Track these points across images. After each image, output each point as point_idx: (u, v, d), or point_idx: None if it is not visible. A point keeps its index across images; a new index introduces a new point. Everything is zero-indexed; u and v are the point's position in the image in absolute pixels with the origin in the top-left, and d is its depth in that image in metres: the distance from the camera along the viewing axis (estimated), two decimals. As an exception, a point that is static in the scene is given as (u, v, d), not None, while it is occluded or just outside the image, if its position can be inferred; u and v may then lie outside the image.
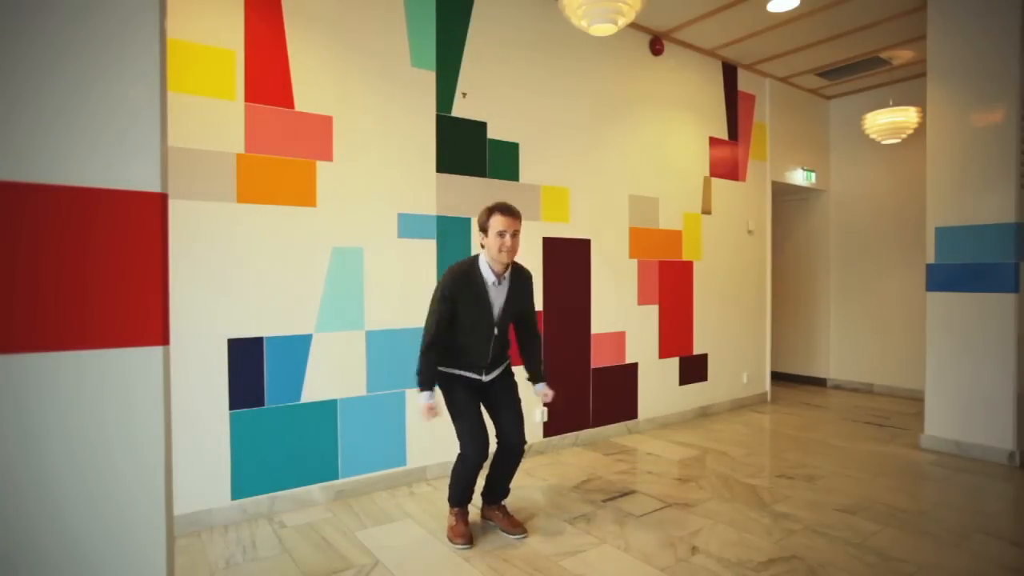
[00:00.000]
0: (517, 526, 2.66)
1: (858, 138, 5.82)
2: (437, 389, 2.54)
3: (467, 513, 2.64)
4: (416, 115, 3.39)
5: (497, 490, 2.73)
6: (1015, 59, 3.60)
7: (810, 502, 3.02)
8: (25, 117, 1.16)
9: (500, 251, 2.45)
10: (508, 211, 2.46)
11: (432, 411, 2.47)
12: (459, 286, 2.49)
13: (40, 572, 1.18)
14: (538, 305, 3.88)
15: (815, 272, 6.37)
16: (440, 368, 2.59)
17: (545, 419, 3.95)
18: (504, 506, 2.74)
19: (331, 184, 3.09)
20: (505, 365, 2.72)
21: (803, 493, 3.15)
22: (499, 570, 2.33)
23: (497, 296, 2.55)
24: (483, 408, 2.67)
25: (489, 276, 2.51)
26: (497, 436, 2.65)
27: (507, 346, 2.69)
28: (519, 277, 2.63)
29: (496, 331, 2.56)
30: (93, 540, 1.23)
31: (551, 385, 2.77)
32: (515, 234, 2.47)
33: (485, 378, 2.63)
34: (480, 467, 2.56)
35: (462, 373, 2.60)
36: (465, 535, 2.54)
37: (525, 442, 2.66)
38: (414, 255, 3.37)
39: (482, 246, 2.53)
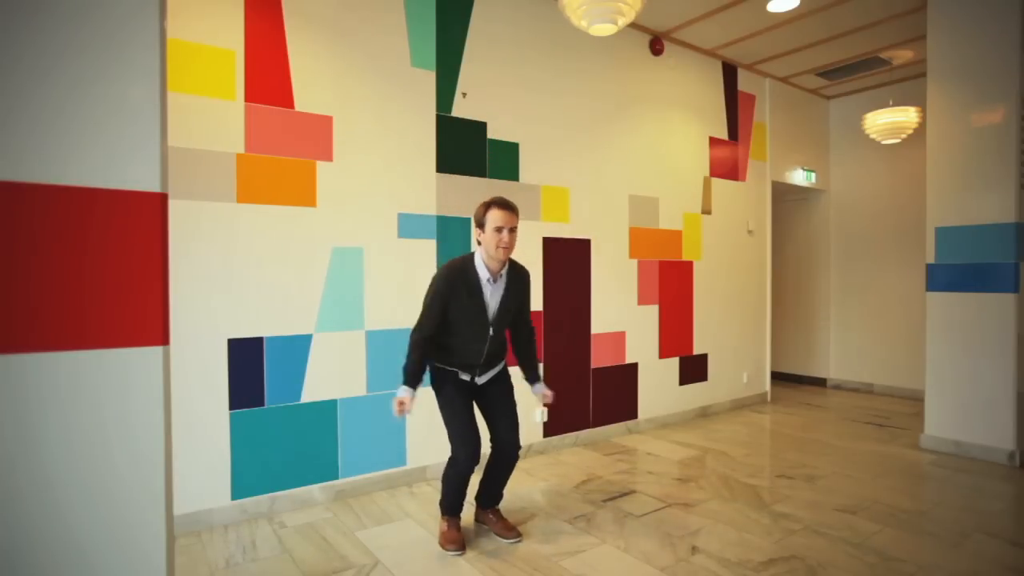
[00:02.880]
0: (511, 530, 2.62)
1: (858, 138, 5.82)
2: (419, 391, 2.48)
3: (459, 520, 2.61)
4: (416, 115, 3.39)
5: (491, 494, 2.70)
6: (1015, 59, 3.60)
7: (810, 502, 3.02)
8: (25, 117, 1.16)
9: (497, 248, 2.37)
10: (506, 206, 2.39)
11: (403, 406, 2.39)
12: (453, 283, 2.42)
13: (40, 572, 1.18)
14: (538, 305, 3.89)
15: (815, 272, 6.37)
16: (436, 364, 2.57)
17: (545, 419, 3.95)
18: (498, 510, 2.72)
19: (331, 184, 3.09)
20: (501, 367, 2.66)
21: (803, 493, 3.15)
22: (499, 570, 2.33)
23: (493, 295, 2.48)
24: (478, 410, 2.63)
25: (484, 274, 2.44)
26: (492, 440, 2.61)
27: (504, 347, 2.63)
28: (517, 276, 2.55)
29: (492, 331, 2.49)
30: (93, 540, 1.23)
31: (550, 385, 2.75)
32: (512, 230, 2.39)
33: (479, 380, 2.58)
34: (470, 472, 2.50)
35: (455, 371, 2.55)
36: (457, 541, 2.49)
37: (520, 447, 2.63)
38: (414, 255, 3.37)
39: (478, 243, 2.46)
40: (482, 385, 2.61)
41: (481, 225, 2.41)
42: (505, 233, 2.37)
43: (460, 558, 2.44)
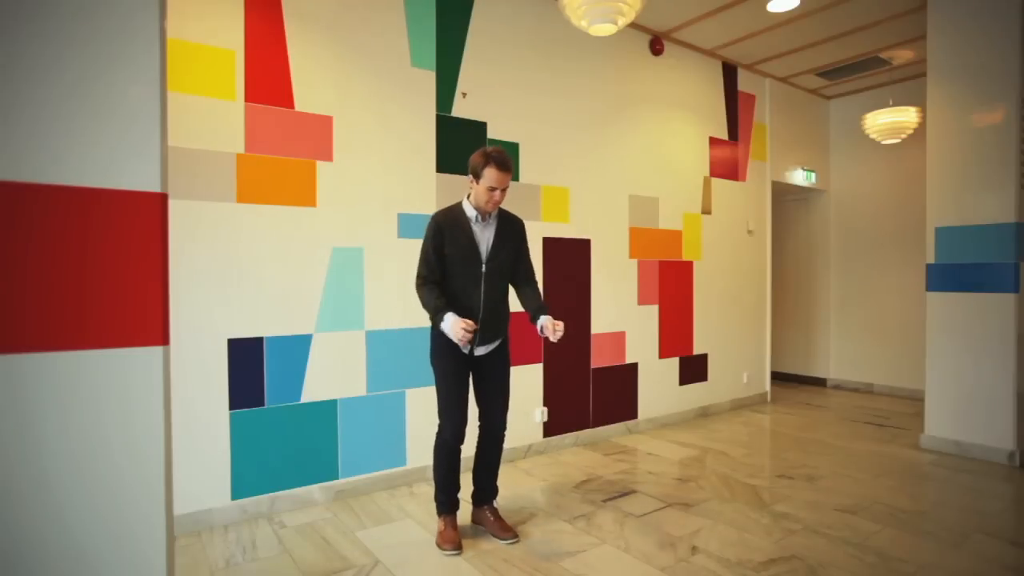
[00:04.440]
0: (508, 530, 2.61)
1: (858, 138, 5.82)
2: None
3: (456, 519, 2.60)
4: (416, 115, 3.39)
5: (484, 488, 2.69)
6: (1015, 59, 3.60)
7: (810, 502, 3.02)
8: (25, 117, 1.16)
9: (487, 204, 2.44)
10: (504, 166, 2.41)
11: (467, 330, 2.29)
12: (441, 221, 2.47)
13: (40, 572, 1.18)
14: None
15: (815, 272, 6.37)
16: (436, 330, 2.51)
17: (545, 419, 3.95)
18: (495, 508, 2.70)
19: (331, 184, 3.09)
20: (500, 342, 2.62)
21: (803, 493, 3.15)
22: (499, 570, 2.33)
23: (483, 234, 2.52)
24: (473, 387, 2.63)
25: (471, 212, 2.49)
26: (479, 417, 2.62)
27: (504, 317, 2.61)
28: (507, 219, 2.59)
29: (485, 269, 2.49)
30: (93, 540, 1.23)
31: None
32: (505, 190, 2.44)
33: (477, 351, 2.55)
34: (456, 449, 2.52)
35: (455, 344, 2.49)
36: (454, 541, 2.49)
37: (505, 427, 2.63)
38: (414, 255, 3.35)
39: (471, 188, 2.49)
40: (479, 358, 2.58)
41: (476, 176, 2.44)
42: (497, 193, 2.43)
43: (460, 558, 2.44)
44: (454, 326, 2.33)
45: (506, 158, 2.43)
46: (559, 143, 4.01)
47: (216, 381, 2.78)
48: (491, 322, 2.54)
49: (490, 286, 2.52)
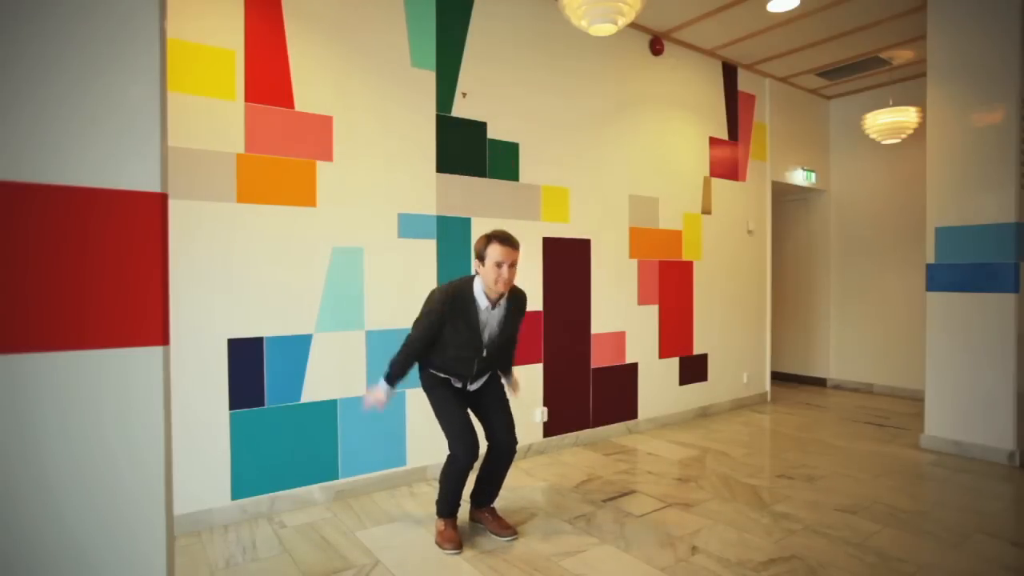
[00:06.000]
0: (507, 528, 2.63)
1: (858, 138, 5.82)
2: (393, 389, 2.54)
3: (456, 520, 2.62)
4: (416, 115, 3.39)
5: (486, 492, 2.71)
6: (1015, 59, 3.60)
7: (810, 502, 3.02)
8: (24, 117, 1.16)
9: (496, 282, 2.38)
10: (507, 241, 2.38)
11: (377, 399, 2.47)
12: (451, 308, 2.43)
13: (40, 572, 1.18)
14: (538, 305, 3.89)
15: (815, 272, 6.37)
16: (428, 370, 2.61)
17: (545, 419, 3.95)
18: (494, 508, 2.72)
19: (331, 184, 3.09)
20: (491, 373, 2.71)
21: (803, 493, 3.15)
22: (499, 570, 2.33)
23: (489, 320, 2.50)
24: (472, 412, 2.67)
25: (483, 301, 2.46)
26: (488, 439, 2.64)
27: (494, 361, 2.67)
28: (516, 301, 2.57)
29: (484, 352, 2.53)
30: (93, 540, 1.22)
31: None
32: (512, 265, 2.39)
33: (471, 387, 2.64)
34: (470, 468, 2.51)
35: (447, 378, 2.60)
36: (454, 540, 2.50)
37: (516, 442, 2.65)
38: (414, 255, 3.37)
39: (477, 272, 2.46)
40: (474, 391, 2.66)
41: (481, 258, 2.41)
42: (505, 269, 2.38)
43: (460, 558, 2.44)
44: (372, 396, 2.50)
45: (509, 234, 2.42)
46: (559, 143, 4.01)
47: (216, 381, 2.77)
48: (482, 373, 2.64)
49: (485, 358, 2.56)
